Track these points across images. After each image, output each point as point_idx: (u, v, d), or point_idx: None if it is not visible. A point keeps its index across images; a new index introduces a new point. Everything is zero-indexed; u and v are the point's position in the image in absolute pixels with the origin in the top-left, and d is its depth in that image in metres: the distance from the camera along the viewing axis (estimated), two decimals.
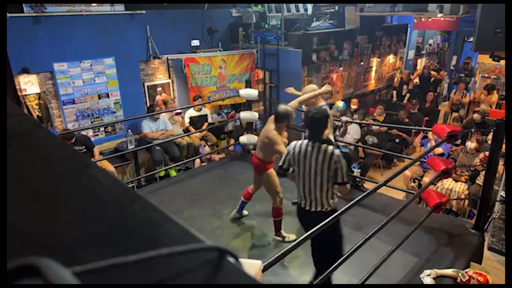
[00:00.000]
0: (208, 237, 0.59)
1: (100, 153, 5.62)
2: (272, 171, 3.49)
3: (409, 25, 9.58)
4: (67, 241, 0.44)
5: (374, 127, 6.49)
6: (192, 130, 6.24)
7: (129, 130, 5.88)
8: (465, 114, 7.99)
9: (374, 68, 8.97)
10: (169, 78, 6.77)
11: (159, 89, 6.66)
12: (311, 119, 2.62)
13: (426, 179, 5.15)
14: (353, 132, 6.13)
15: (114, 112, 6.20)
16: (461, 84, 8.35)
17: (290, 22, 7.09)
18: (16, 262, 0.30)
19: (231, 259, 0.44)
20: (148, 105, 6.41)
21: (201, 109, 6.52)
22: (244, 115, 5.36)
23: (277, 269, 3.03)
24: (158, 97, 6.57)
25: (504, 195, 4.07)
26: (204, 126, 6.41)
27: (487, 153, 3.96)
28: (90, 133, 5.94)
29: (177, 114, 6.36)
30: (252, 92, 5.15)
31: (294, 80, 6.57)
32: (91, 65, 5.79)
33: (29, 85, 5.20)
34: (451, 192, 4.96)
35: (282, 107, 3.36)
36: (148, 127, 5.78)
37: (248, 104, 6.31)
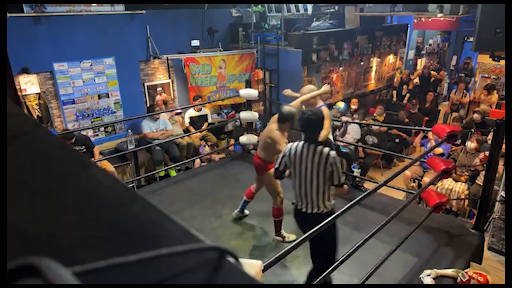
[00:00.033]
0: (208, 237, 0.59)
1: (100, 153, 5.62)
2: (273, 171, 3.49)
3: (409, 25, 9.59)
4: (67, 241, 0.44)
5: (374, 127, 6.49)
6: (192, 130, 6.24)
7: (129, 130, 5.88)
8: (465, 114, 7.99)
9: (374, 68, 8.97)
10: (169, 78, 6.77)
11: (159, 89, 6.66)
12: (306, 121, 2.60)
13: (426, 179, 5.14)
14: (353, 132, 6.14)
15: (114, 112, 6.20)
16: (461, 84, 8.35)
17: (290, 22, 7.09)
18: (16, 262, 0.30)
19: (231, 259, 0.44)
20: (148, 105, 6.41)
21: (201, 109, 6.52)
22: (244, 115, 5.36)
23: (277, 269, 3.03)
24: (158, 97, 6.57)
25: (504, 195, 4.07)
26: (204, 126, 6.41)
27: (487, 153, 3.96)
28: (90, 133, 5.94)
29: (177, 114, 6.37)
30: (252, 92, 5.15)
31: (294, 80, 6.58)
32: (91, 65, 5.79)
33: (29, 85, 5.20)
34: (451, 192, 4.96)
35: (286, 108, 3.36)
36: (148, 127, 5.78)
37: (248, 104, 6.31)
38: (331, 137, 3.90)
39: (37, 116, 5.26)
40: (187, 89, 6.61)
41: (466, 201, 5.03)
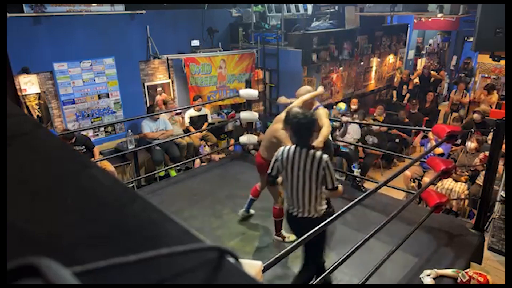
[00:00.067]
0: (208, 237, 0.59)
1: (100, 153, 5.62)
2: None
3: (409, 25, 9.59)
4: (67, 241, 0.44)
5: (374, 127, 6.49)
6: (192, 130, 6.24)
7: (129, 130, 5.88)
8: (465, 114, 7.99)
9: (374, 68, 8.97)
10: (169, 78, 6.77)
11: (159, 89, 6.66)
12: (297, 125, 2.54)
13: (426, 179, 5.14)
14: (353, 132, 6.14)
15: (114, 112, 6.21)
16: (461, 84, 8.35)
17: (290, 22, 7.09)
18: (16, 262, 0.30)
19: (231, 259, 0.44)
20: (148, 105, 6.41)
21: (201, 109, 6.52)
22: (244, 115, 5.36)
23: (277, 269, 3.03)
24: (158, 97, 6.57)
25: (504, 195, 4.07)
26: (204, 126, 6.41)
27: (487, 153, 3.96)
28: (90, 133, 5.94)
29: (177, 114, 6.37)
30: (252, 92, 5.14)
31: (294, 80, 6.58)
32: (91, 65, 5.79)
33: (29, 85, 5.20)
34: (451, 192, 4.96)
35: (294, 109, 3.35)
36: (148, 127, 5.78)
37: (248, 104, 6.30)
38: (330, 137, 3.89)
39: (37, 116, 5.26)
40: (187, 89, 6.61)
41: (466, 201, 5.03)
